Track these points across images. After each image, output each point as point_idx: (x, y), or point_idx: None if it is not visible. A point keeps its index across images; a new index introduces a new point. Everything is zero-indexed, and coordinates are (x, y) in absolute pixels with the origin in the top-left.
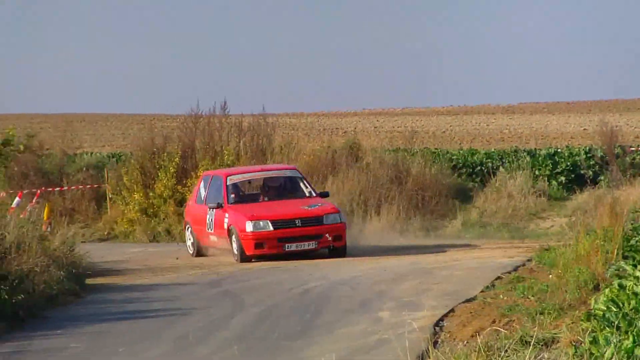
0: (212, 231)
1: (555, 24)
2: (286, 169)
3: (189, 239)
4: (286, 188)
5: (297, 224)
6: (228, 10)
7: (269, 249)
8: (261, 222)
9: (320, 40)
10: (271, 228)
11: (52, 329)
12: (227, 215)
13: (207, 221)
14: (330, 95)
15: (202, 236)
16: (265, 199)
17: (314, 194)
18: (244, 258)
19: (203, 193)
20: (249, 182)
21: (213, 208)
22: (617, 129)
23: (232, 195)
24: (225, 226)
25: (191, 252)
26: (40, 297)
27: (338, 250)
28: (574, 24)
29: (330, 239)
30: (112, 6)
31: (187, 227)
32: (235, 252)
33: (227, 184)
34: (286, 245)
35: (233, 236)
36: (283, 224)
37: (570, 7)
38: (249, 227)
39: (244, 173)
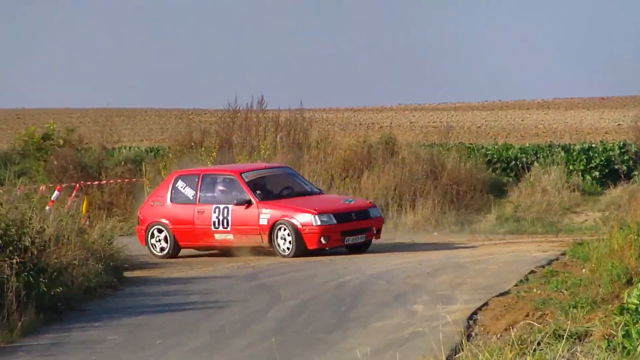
0: (227, 229)
1: (589, 18)
2: (285, 167)
3: (158, 240)
4: (293, 185)
5: (353, 218)
6: (265, 5)
7: (332, 242)
8: (325, 216)
9: (357, 35)
10: (334, 221)
11: (90, 322)
12: (264, 210)
13: (213, 220)
14: (366, 90)
15: (194, 235)
16: (287, 193)
17: (318, 191)
18: (299, 253)
19: (189, 192)
20: (263, 178)
21: (228, 205)
22: None
23: (258, 192)
24: (265, 222)
25: (162, 253)
26: (78, 290)
27: (367, 244)
28: (610, 19)
29: (374, 232)
30: (151, 2)
31: (153, 228)
32: (286, 247)
33: (246, 181)
34: (346, 238)
35: (282, 231)
36: (343, 217)
37: (605, 1)
38: (317, 220)
39: (253, 170)
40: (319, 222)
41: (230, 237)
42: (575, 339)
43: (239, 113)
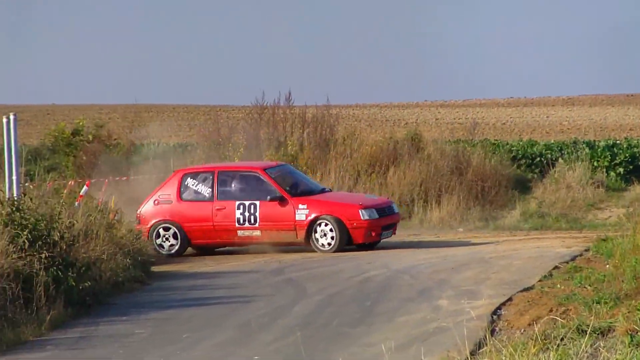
0: (254, 225)
1: (615, 15)
2: (286, 165)
3: (165, 239)
4: (299, 183)
5: (387, 213)
6: (294, 3)
7: (375, 236)
8: (370, 211)
9: (384, 32)
10: (377, 216)
11: (118, 315)
12: (301, 206)
13: (237, 216)
14: (392, 86)
15: (212, 233)
16: (308, 190)
17: (327, 189)
18: (340, 248)
19: (203, 189)
20: (282, 175)
21: (255, 202)
22: None
23: (288, 188)
24: (303, 217)
25: (170, 251)
26: (106, 284)
27: (377, 242)
28: (635, 15)
29: (396, 228)
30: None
31: (159, 227)
32: (326, 243)
33: (272, 177)
34: (383, 233)
35: (322, 226)
36: (382, 212)
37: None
38: (364, 215)
39: (272, 167)
40: (366, 217)
41: (257, 233)
42: (598, 334)
43: (266, 109)
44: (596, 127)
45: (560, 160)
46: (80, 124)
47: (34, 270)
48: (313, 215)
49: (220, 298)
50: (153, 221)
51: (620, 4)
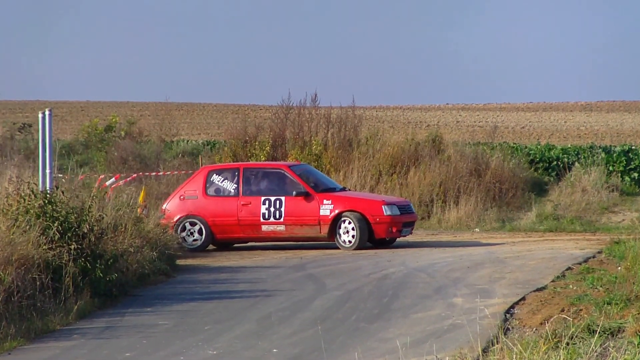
0: (278, 220)
1: (633, 21)
2: (305, 165)
3: (190, 233)
4: (317, 182)
5: (407, 210)
6: (322, 7)
7: (395, 232)
8: (392, 207)
9: (408, 36)
10: (399, 213)
11: (143, 307)
12: (325, 202)
13: (262, 212)
14: (415, 89)
15: (237, 228)
16: (329, 188)
17: (347, 188)
18: (362, 244)
19: (229, 186)
20: (303, 173)
21: (280, 197)
22: None
23: (312, 185)
24: (327, 212)
25: (194, 246)
26: (132, 276)
27: (393, 241)
28: None
29: (413, 227)
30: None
31: (185, 222)
32: (347, 239)
33: (296, 173)
34: (403, 230)
35: (346, 223)
36: (403, 209)
37: None
38: (387, 211)
39: (295, 165)
40: (389, 212)
41: (281, 228)
42: (608, 334)
43: (292, 109)
44: (613, 133)
45: (576, 164)
46: (113, 120)
47: (63, 261)
48: (337, 211)
49: (242, 292)
50: (178, 216)
51: (637, 11)
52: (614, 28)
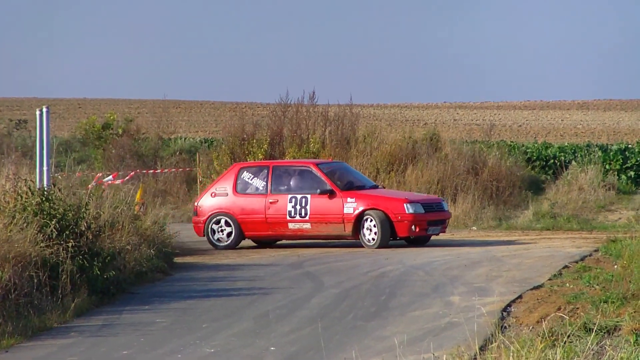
0: (304, 218)
1: (629, 21)
2: (341, 162)
3: (220, 231)
4: (352, 179)
5: (435, 209)
6: (319, 5)
7: (419, 231)
8: (415, 205)
9: (405, 34)
10: (423, 211)
11: (140, 305)
12: (349, 200)
13: (288, 209)
14: (413, 87)
15: (264, 225)
16: (358, 185)
17: (377, 185)
18: (385, 243)
19: (258, 183)
20: (333, 171)
21: (306, 195)
22: None
23: (338, 183)
24: (351, 211)
25: (224, 244)
26: (130, 274)
27: (427, 239)
28: None
29: (446, 225)
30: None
31: (214, 220)
32: (371, 237)
33: (324, 171)
34: (429, 228)
35: (370, 221)
36: (428, 207)
37: None
38: (409, 209)
39: (325, 163)
40: (411, 210)
41: (307, 226)
42: (604, 332)
43: (289, 107)
44: (609, 131)
45: (573, 162)
46: (111, 118)
47: (61, 259)
48: (360, 209)
49: (239, 290)
50: (209, 213)
51: (637, 11)
52: (612, 27)
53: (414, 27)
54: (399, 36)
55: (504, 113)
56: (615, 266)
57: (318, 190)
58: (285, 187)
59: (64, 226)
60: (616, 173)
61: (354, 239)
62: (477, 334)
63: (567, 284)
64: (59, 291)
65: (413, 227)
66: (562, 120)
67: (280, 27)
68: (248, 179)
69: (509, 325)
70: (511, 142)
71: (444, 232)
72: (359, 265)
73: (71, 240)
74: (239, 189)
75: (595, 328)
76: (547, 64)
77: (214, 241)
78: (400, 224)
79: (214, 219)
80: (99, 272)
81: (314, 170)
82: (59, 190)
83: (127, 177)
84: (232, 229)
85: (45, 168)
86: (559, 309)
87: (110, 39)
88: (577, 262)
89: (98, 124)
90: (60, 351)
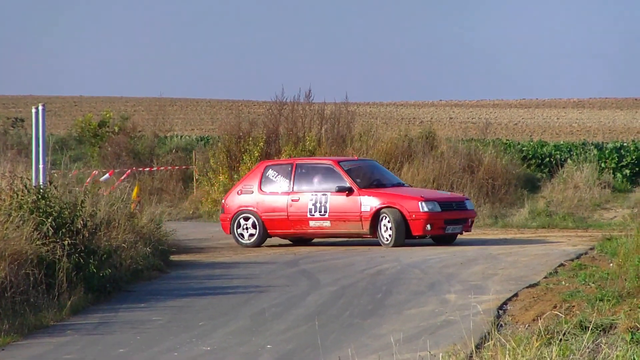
0: (324, 216)
1: (625, 20)
2: (371, 160)
3: (245, 229)
4: (380, 177)
5: (454, 207)
6: (315, 3)
7: (435, 230)
8: (431, 203)
9: (402, 33)
10: (439, 209)
11: (136, 302)
12: (366, 198)
13: (309, 207)
14: (409, 85)
15: (287, 223)
16: (382, 183)
17: (404, 183)
18: (400, 241)
19: (281, 181)
20: (357, 168)
21: (326, 193)
22: None
23: (358, 180)
24: (368, 209)
25: (249, 241)
26: (126, 272)
27: (454, 237)
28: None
29: (469, 224)
30: None
31: (240, 217)
32: (387, 235)
33: (345, 169)
34: (447, 227)
35: (386, 219)
36: (446, 206)
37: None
38: (423, 207)
39: (348, 161)
40: (425, 209)
41: (327, 224)
42: (600, 331)
43: (286, 105)
44: (605, 130)
45: (569, 161)
46: (107, 115)
47: (57, 257)
48: (377, 207)
49: (236, 288)
50: (235, 211)
51: (632, 10)
52: (607, 25)
53: (411, 26)
54: (395, 35)
55: (499, 111)
56: (611, 264)
57: (336, 188)
58: (307, 184)
59: (60, 224)
60: (612, 171)
61: (373, 237)
62: (473, 332)
63: (563, 282)
64: (55, 289)
65: (428, 225)
66: (557, 118)
67: (276, 26)
68: (272, 176)
69: (505, 324)
70: (507, 140)
71: (469, 230)
72: (355, 263)
73: (67, 238)
74: (264, 186)
75: (591, 326)
76: (543, 63)
77: (239, 239)
78: (414, 222)
79: (240, 217)
80: (95, 270)
81: (335, 167)
82: (55, 188)
83: (123, 177)
84: (256, 227)
85: (41, 166)
86: (555, 307)
87: (106, 37)
88: (572, 260)
89: (94, 122)
90: (56, 349)
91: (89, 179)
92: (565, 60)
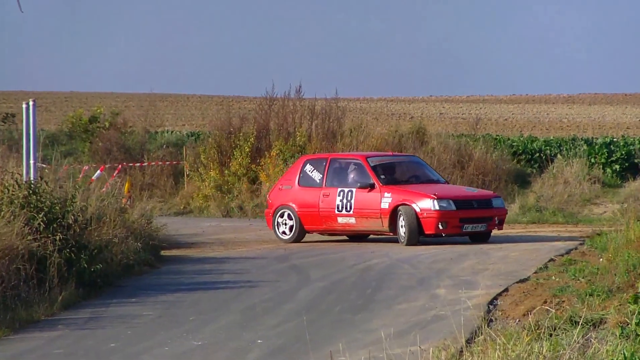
0: (349, 212)
1: (615, 16)
2: (413, 156)
3: (284, 224)
4: (419, 174)
5: (474, 206)
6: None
7: (450, 228)
8: (444, 202)
9: (392, 28)
10: (454, 208)
11: (127, 297)
12: (386, 194)
13: (337, 203)
14: (399, 81)
15: (318, 219)
16: (412, 180)
17: (443, 180)
18: (414, 239)
19: (316, 176)
20: (391, 164)
21: (352, 189)
22: None
23: (383, 177)
24: (386, 206)
25: (287, 237)
26: (117, 267)
27: (487, 235)
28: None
29: (496, 222)
30: None
31: (279, 213)
32: (404, 232)
33: (371, 165)
34: (464, 225)
35: (402, 216)
36: (463, 204)
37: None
38: (435, 205)
39: (379, 156)
40: (437, 207)
41: (352, 220)
42: (590, 325)
43: (276, 101)
44: (594, 125)
45: (559, 156)
46: (98, 111)
47: (48, 252)
48: (395, 204)
49: (226, 283)
50: (276, 206)
51: (621, 5)
52: (597, 21)
53: (400, 22)
54: (386, 31)
55: (489, 107)
56: (601, 259)
57: (359, 184)
58: (338, 180)
59: (51, 219)
60: (601, 166)
61: (393, 235)
62: (464, 327)
63: (553, 277)
64: (46, 284)
65: (440, 224)
66: (547, 114)
67: (266, 21)
68: (309, 171)
69: (495, 319)
70: (497, 135)
71: (500, 228)
72: (344, 258)
73: (58, 233)
74: (301, 181)
75: (581, 321)
76: (533, 58)
77: (278, 234)
78: (426, 220)
79: (279, 212)
80: (86, 265)
81: (362, 163)
82: (46, 183)
83: (115, 173)
84: (293, 222)
85: (32, 161)
86: (545, 302)
87: (97, 32)
88: (562, 255)
89: (85, 117)
90: (47, 344)
91: (80, 176)
92: (555, 56)
